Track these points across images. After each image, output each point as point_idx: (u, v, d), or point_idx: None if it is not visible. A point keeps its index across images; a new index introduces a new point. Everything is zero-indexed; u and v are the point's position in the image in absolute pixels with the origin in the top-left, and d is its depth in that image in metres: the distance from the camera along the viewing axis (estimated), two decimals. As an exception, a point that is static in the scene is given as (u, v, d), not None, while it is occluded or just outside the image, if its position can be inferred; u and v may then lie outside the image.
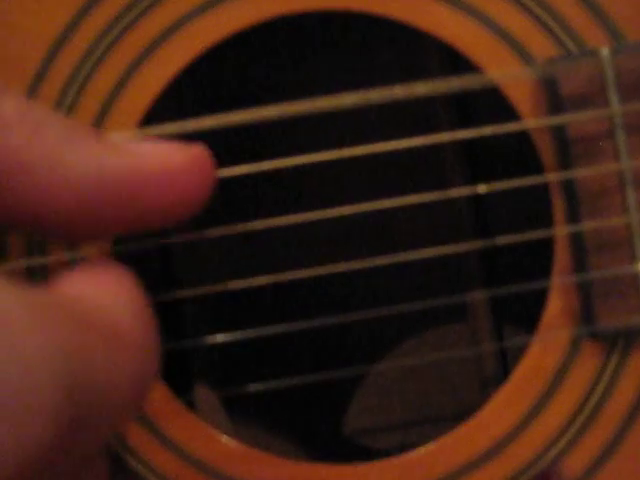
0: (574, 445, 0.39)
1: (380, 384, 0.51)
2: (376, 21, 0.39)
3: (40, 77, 0.39)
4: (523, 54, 0.39)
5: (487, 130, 0.38)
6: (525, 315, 0.44)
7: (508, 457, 0.39)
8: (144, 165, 0.29)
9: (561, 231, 0.39)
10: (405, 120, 0.50)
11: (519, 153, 0.45)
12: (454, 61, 0.48)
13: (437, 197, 0.39)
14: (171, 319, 0.48)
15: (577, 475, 0.39)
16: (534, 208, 0.43)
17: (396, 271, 0.47)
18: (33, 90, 0.38)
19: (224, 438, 0.39)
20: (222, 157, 0.50)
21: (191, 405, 0.47)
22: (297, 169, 0.38)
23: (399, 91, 0.37)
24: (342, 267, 0.39)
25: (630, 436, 0.39)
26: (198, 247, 0.49)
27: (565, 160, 0.39)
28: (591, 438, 0.39)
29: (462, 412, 0.43)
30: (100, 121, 0.39)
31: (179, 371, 0.47)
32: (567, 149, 0.38)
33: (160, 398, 0.39)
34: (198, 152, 0.31)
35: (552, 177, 0.39)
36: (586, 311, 0.39)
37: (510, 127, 0.39)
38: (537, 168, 0.39)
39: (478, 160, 0.49)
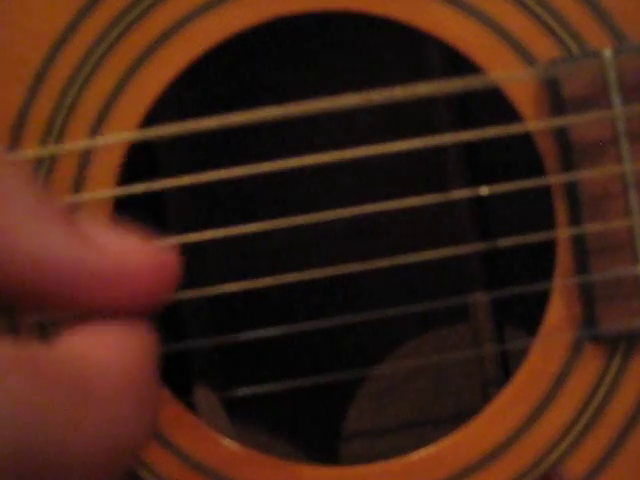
0: (576, 448, 0.39)
1: (381, 386, 0.51)
2: (376, 21, 0.39)
3: (40, 77, 0.38)
4: (525, 55, 0.39)
5: (489, 132, 0.38)
6: (527, 317, 0.44)
7: (509, 460, 0.39)
8: (103, 261, 0.28)
9: (563, 233, 0.39)
10: (406, 122, 0.50)
11: (521, 155, 0.44)
12: (455, 62, 0.48)
13: (439, 199, 0.39)
14: (171, 320, 0.48)
15: (579, 478, 0.39)
16: (536, 210, 0.43)
17: (397, 273, 0.46)
18: (33, 91, 0.38)
19: (224, 440, 0.39)
20: (222, 158, 0.50)
21: (191, 407, 0.47)
22: (298, 170, 0.38)
23: (400, 92, 0.37)
24: (343, 269, 0.39)
25: (632, 439, 0.38)
26: (198, 248, 0.49)
27: (567, 162, 0.38)
28: (593, 441, 0.38)
29: (463, 414, 0.43)
30: (100, 121, 0.39)
31: (179, 373, 0.47)
32: (569, 151, 0.38)
33: (160, 400, 0.39)
34: (163, 256, 0.29)
35: (554, 179, 0.39)
36: (588, 314, 0.39)
37: (512, 129, 0.38)
38: (539, 170, 0.39)
39: (480, 162, 0.49)
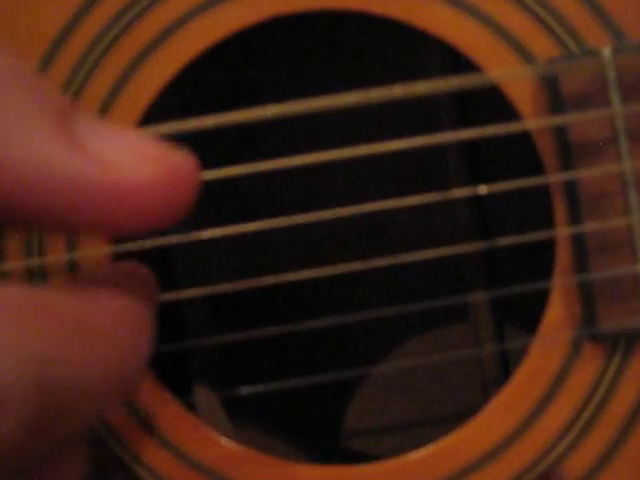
0: (575, 447, 0.38)
1: (381, 385, 0.51)
2: (376, 21, 0.39)
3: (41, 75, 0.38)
4: (524, 54, 0.39)
5: (488, 130, 0.38)
6: (526, 316, 0.44)
7: (509, 459, 0.39)
8: (100, 175, 0.25)
9: (562, 232, 0.39)
10: (406, 120, 0.50)
11: (520, 154, 0.44)
12: (455, 61, 0.48)
13: (438, 198, 0.39)
14: (171, 320, 0.48)
15: (578, 477, 0.39)
16: (535, 209, 0.43)
17: (397, 272, 0.46)
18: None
19: (224, 440, 0.39)
20: (222, 156, 0.50)
21: (191, 407, 0.47)
22: (297, 169, 0.38)
23: (399, 91, 0.37)
24: (343, 268, 0.39)
25: (631, 438, 0.38)
26: (198, 247, 0.49)
27: (566, 161, 0.38)
28: (592, 440, 0.38)
29: (463, 413, 0.43)
30: (100, 118, 0.39)
31: (179, 372, 0.47)
32: (568, 150, 0.38)
33: (160, 400, 0.39)
34: (176, 163, 0.26)
35: (553, 178, 0.39)
36: (587, 313, 0.39)
37: (511, 127, 0.38)
38: (538, 169, 0.39)
39: (479, 161, 0.49)
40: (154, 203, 0.25)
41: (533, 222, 0.40)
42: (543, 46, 0.39)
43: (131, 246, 0.38)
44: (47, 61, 0.39)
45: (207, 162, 0.42)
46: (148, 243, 0.38)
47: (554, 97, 0.38)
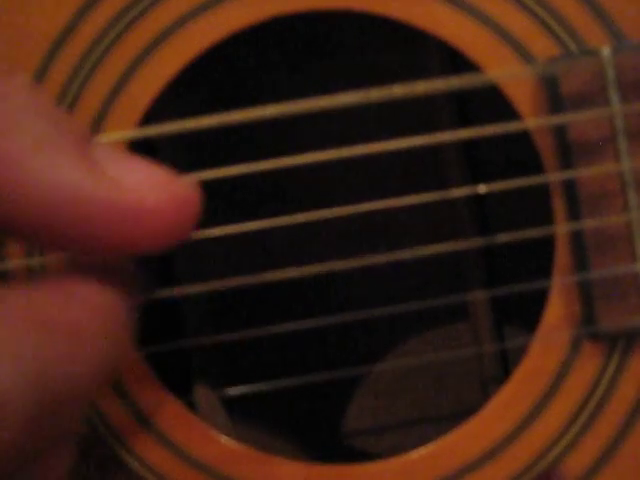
0: (575, 446, 0.39)
1: (380, 384, 0.51)
2: (376, 21, 0.39)
3: (40, 76, 0.39)
4: (523, 53, 0.39)
5: (488, 130, 0.38)
6: (526, 315, 0.44)
7: (509, 458, 0.39)
8: (117, 198, 0.26)
9: (562, 231, 0.39)
10: (405, 120, 0.50)
11: (519, 153, 0.44)
12: (454, 60, 0.48)
13: (437, 197, 0.39)
14: (171, 319, 0.48)
15: (578, 476, 0.39)
16: (534, 209, 0.43)
17: (397, 271, 0.47)
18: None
19: (224, 439, 0.39)
20: (222, 156, 0.50)
21: (191, 405, 0.47)
22: (296, 169, 0.38)
23: (399, 90, 0.37)
24: (341, 266, 0.39)
25: (631, 437, 0.38)
26: (198, 247, 0.49)
27: (566, 160, 0.38)
28: (592, 439, 0.38)
29: (462, 412, 0.43)
30: (99, 120, 0.39)
31: (179, 371, 0.47)
32: (568, 149, 0.38)
33: (160, 399, 0.39)
34: (184, 189, 0.28)
35: (553, 178, 0.39)
36: (587, 312, 0.39)
37: (511, 127, 0.38)
38: (538, 168, 0.39)
39: (478, 160, 0.49)
40: (166, 224, 0.27)
41: (532, 221, 0.40)
42: (542, 46, 0.39)
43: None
44: (48, 61, 0.39)
45: (207, 161, 0.42)
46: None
47: (553, 96, 0.38)
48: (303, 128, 0.50)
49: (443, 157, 0.49)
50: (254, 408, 0.50)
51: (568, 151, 0.38)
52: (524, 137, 0.39)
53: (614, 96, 0.38)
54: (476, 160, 0.49)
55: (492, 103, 0.40)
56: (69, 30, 0.39)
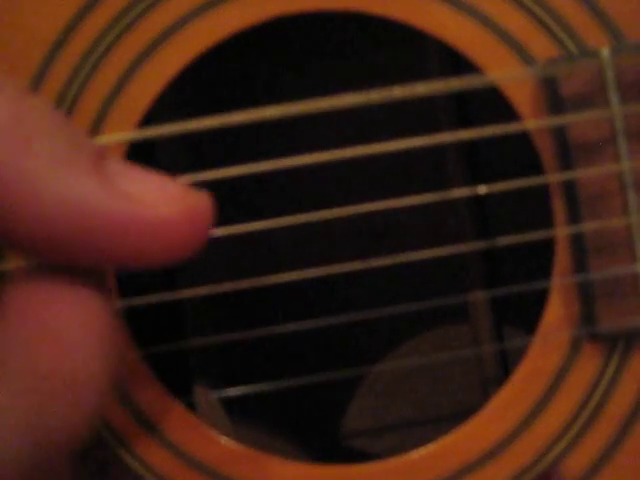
0: (575, 446, 0.39)
1: (380, 385, 0.51)
2: (376, 21, 0.39)
3: (40, 77, 0.39)
4: (523, 54, 0.39)
5: (488, 131, 0.38)
6: (526, 316, 0.44)
7: (509, 458, 0.39)
8: (134, 212, 0.26)
9: (562, 232, 0.39)
10: (406, 121, 0.50)
11: (519, 154, 0.44)
12: (454, 61, 0.48)
13: (437, 198, 0.39)
14: (171, 319, 0.48)
15: (577, 476, 0.39)
16: (534, 209, 0.43)
17: (397, 272, 0.47)
18: (34, 89, 0.38)
19: (223, 439, 0.39)
20: (222, 157, 0.50)
21: (191, 406, 0.47)
22: (297, 170, 0.38)
23: (399, 92, 0.37)
24: (342, 268, 0.39)
25: (630, 437, 0.38)
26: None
27: (566, 161, 0.39)
28: (592, 439, 0.39)
29: (462, 413, 0.43)
30: (99, 121, 0.39)
31: (179, 372, 0.47)
32: (568, 150, 0.38)
33: (160, 399, 0.39)
34: (196, 203, 0.28)
35: (553, 178, 0.39)
36: (586, 312, 0.39)
37: (511, 128, 0.38)
38: (538, 169, 0.39)
39: (478, 161, 0.49)
40: (182, 237, 0.27)
41: (532, 222, 0.40)
42: (542, 46, 0.39)
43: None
44: (48, 62, 0.39)
45: (207, 162, 0.42)
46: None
47: (553, 98, 0.38)
48: (304, 129, 0.50)
49: (443, 158, 0.49)
50: (254, 409, 0.50)
51: (568, 152, 0.38)
52: (524, 138, 0.39)
53: (614, 97, 0.38)
54: (476, 161, 0.49)
55: (492, 104, 0.40)
56: (69, 30, 0.39)
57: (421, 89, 0.37)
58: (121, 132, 0.38)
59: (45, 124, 0.26)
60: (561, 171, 0.39)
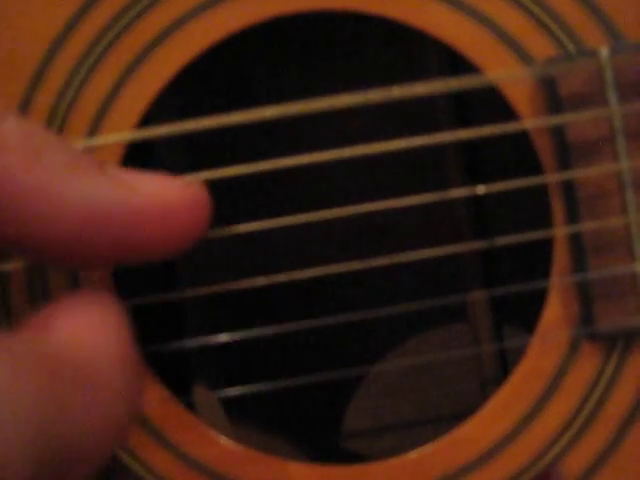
0: (573, 446, 0.39)
1: (379, 385, 0.51)
2: (374, 21, 0.39)
3: (38, 77, 0.39)
4: (522, 54, 0.39)
5: (486, 130, 0.38)
6: (525, 316, 0.44)
7: (508, 458, 0.39)
8: (142, 201, 0.29)
9: (560, 232, 0.39)
10: (404, 120, 0.50)
11: (518, 154, 0.45)
12: (453, 61, 0.48)
13: (437, 198, 0.39)
14: (171, 319, 0.48)
15: (576, 476, 0.39)
16: (533, 209, 0.43)
17: (395, 271, 0.46)
18: (31, 90, 0.38)
19: (223, 439, 0.39)
20: (222, 157, 0.50)
21: (190, 406, 0.47)
22: (296, 169, 0.38)
23: (397, 91, 0.37)
24: (341, 268, 0.39)
25: (629, 437, 0.39)
26: (198, 247, 0.49)
27: (564, 161, 0.39)
28: (590, 439, 0.39)
29: (461, 412, 0.43)
30: (98, 122, 0.39)
31: (178, 372, 0.47)
32: (566, 150, 0.38)
33: (159, 399, 0.39)
34: (195, 193, 0.31)
35: (551, 178, 0.39)
36: (585, 312, 0.39)
37: (509, 127, 0.39)
38: (536, 169, 0.39)
39: (477, 161, 0.49)
40: (182, 224, 0.30)
41: (531, 222, 0.40)
42: (540, 46, 0.39)
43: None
44: (47, 61, 0.39)
45: (206, 163, 0.42)
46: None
47: (552, 97, 0.38)
48: (303, 129, 0.50)
49: (442, 158, 0.49)
50: (253, 409, 0.50)
51: (567, 151, 0.38)
52: (523, 138, 0.39)
53: (612, 96, 0.38)
54: (475, 161, 0.49)
55: (491, 104, 0.40)
56: (68, 30, 0.39)
57: (420, 89, 0.37)
58: (120, 132, 0.38)
59: (48, 138, 0.29)
60: (560, 171, 0.39)
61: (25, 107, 0.38)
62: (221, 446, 0.39)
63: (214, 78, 0.50)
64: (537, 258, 0.42)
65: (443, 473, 0.39)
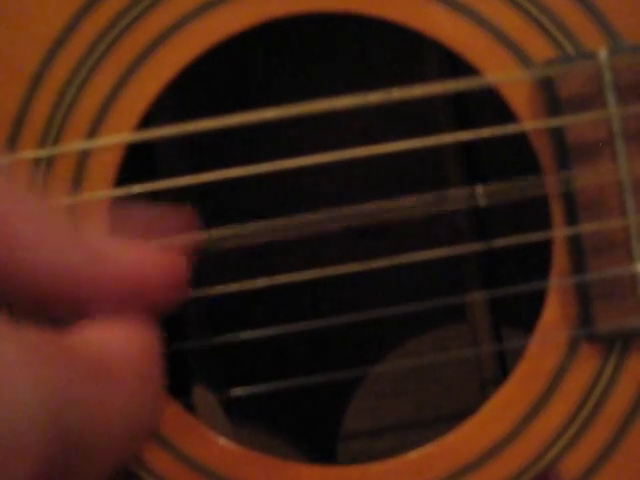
0: (572, 447, 0.39)
1: (379, 385, 0.51)
2: (374, 23, 0.39)
3: (38, 78, 0.39)
4: (520, 56, 0.39)
5: (486, 132, 0.38)
6: (524, 317, 0.44)
7: (507, 458, 0.39)
8: (114, 274, 0.29)
9: (559, 233, 0.39)
10: (404, 122, 0.50)
11: (517, 155, 0.45)
12: (452, 63, 0.48)
13: (436, 199, 0.39)
14: (171, 321, 0.48)
15: (575, 477, 0.39)
16: (532, 210, 0.43)
17: (395, 273, 0.47)
18: (31, 91, 0.38)
19: (223, 440, 0.39)
20: (222, 158, 0.50)
21: (190, 407, 0.47)
22: (296, 171, 0.38)
23: (397, 93, 0.37)
24: (341, 269, 0.39)
25: (628, 437, 0.39)
26: (197, 249, 0.49)
27: (563, 162, 0.39)
28: (589, 439, 0.39)
29: (461, 413, 0.43)
30: (98, 123, 0.39)
31: (178, 373, 0.47)
32: (566, 152, 0.38)
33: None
34: (171, 262, 0.31)
35: (550, 180, 0.39)
36: (584, 313, 0.39)
37: (508, 129, 0.39)
38: (536, 171, 0.39)
39: (476, 162, 0.49)
40: (163, 289, 0.30)
41: (531, 222, 0.40)
42: (539, 48, 0.39)
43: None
44: (47, 62, 0.39)
45: (206, 164, 0.42)
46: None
47: (551, 99, 0.38)
48: (303, 130, 0.50)
49: (441, 159, 0.49)
50: (253, 410, 0.50)
51: (566, 153, 0.38)
52: (522, 139, 0.39)
53: (611, 98, 0.38)
54: (474, 162, 0.49)
55: (490, 105, 0.40)
56: (67, 31, 0.39)
57: (419, 91, 0.37)
58: (120, 134, 0.39)
59: (22, 197, 0.28)
60: (559, 172, 0.39)
61: (25, 108, 0.38)
62: (221, 447, 0.39)
63: (214, 79, 0.50)
64: (536, 259, 0.43)
65: (443, 474, 0.39)
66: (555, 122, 0.38)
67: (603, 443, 0.38)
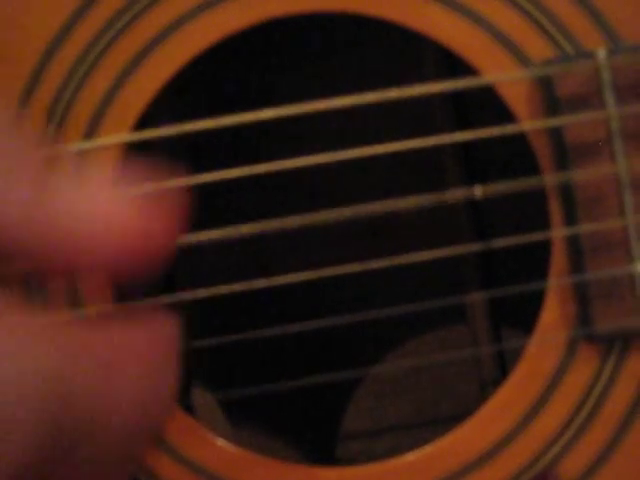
0: (571, 447, 0.39)
1: (379, 386, 0.51)
2: (372, 23, 0.39)
3: (37, 77, 0.39)
4: (519, 55, 0.39)
5: (485, 132, 0.38)
6: (523, 317, 0.44)
7: (506, 459, 0.39)
8: (84, 225, 0.26)
9: (558, 233, 0.39)
10: (402, 122, 0.50)
11: (516, 155, 0.45)
12: (451, 63, 0.48)
13: (435, 199, 0.39)
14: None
15: (575, 477, 0.39)
16: (531, 211, 0.43)
17: (394, 273, 0.47)
18: (29, 91, 0.38)
19: (222, 442, 0.39)
20: (219, 159, 0.50)
21: (189, 409, 0.47)
22: (295, 171, 0.38)
23: (395, 93, 0.37)
24: (341, 270, 0.39)
25: (627, 438, 0.38)
26: (197, 249, 0.49)
27: (562, 162, 0.39)
28: (588, 440, 0.38)
29: (460, 414, 0.43)
30: (95, 123, 0.39)
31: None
32: (564, 151, 0.38)
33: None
34: (128, 221, 0.28)
35: (549, 180, 0.39)
36: (583, 313, 0.39)
37: (507, 129, 0.39)
38: (534, 170, 0.39)
39: (475, 162, 0.49)
40: (135, 250, 0.27)
41: (529, 223, 0.40)
42: (538, 47, 0.39)
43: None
44: (44, 63, 0.39)
45: (204, 164, 0.42)
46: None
47: (549, 99, 0.38)
48: (301, 130, 0.50)
49: (440, 159, 0.49)
50: (252, 411, 0.50)
51: (564, 153, 0.38)
52: (521, 139, 0.39)
53: (610, 98, 0.38)
54: (473, 162, 0.49)
55: (489, 105, 0.40)
56: (66, 30, 0.39)
57: (417, 91, 0.37)
58: (117, 134, 0.38)
59: None
60: (558, 172, 0.39)
61: (23, 108, 0.38)
62: (220, 448, 0.39)
63: (212, 79, 0.50)
64: (535, 260, 0.43)
65: (442, 474, 0.39)
66: (554, 122, 0.38)
67: (602, 443, 0.38)
